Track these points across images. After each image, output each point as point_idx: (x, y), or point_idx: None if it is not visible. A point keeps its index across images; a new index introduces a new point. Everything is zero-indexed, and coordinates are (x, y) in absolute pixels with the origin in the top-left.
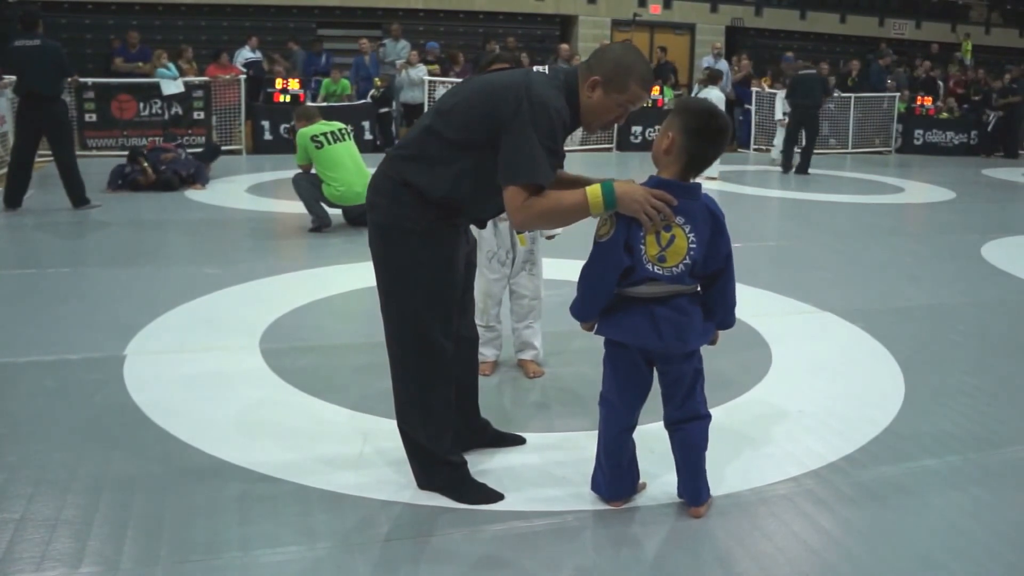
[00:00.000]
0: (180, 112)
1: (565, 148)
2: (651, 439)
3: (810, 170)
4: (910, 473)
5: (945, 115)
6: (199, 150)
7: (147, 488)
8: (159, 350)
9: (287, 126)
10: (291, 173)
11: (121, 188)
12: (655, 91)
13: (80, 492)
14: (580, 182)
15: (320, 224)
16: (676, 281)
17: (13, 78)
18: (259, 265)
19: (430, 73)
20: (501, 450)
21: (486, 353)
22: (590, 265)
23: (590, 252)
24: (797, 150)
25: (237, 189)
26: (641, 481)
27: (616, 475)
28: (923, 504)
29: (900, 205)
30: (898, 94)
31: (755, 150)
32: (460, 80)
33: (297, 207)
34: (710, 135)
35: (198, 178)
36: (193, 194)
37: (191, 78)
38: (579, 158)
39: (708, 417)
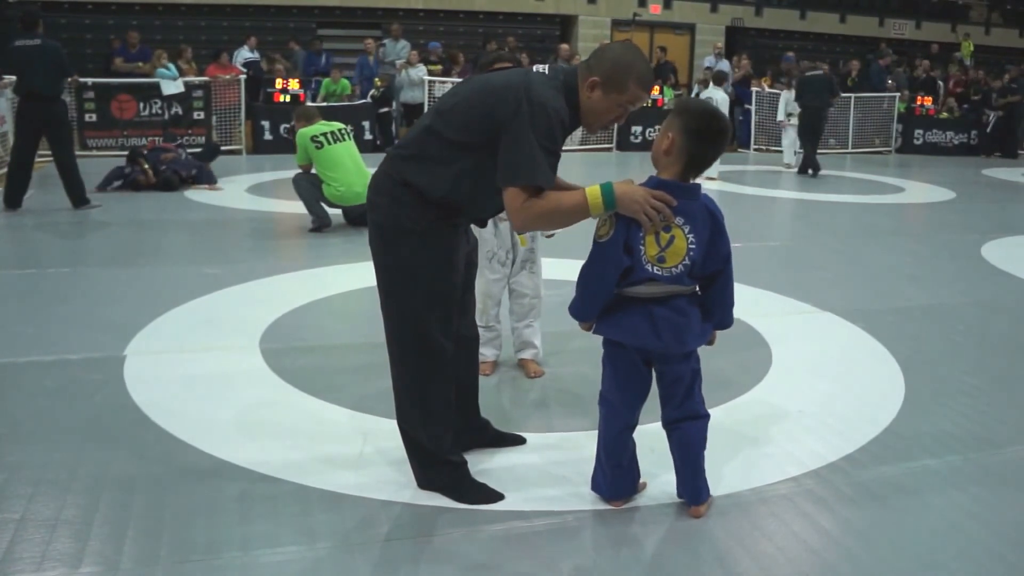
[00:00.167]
0: (180, 112)
1: (565, 148)
2: (651, 439)
3: (809, 170)
4: (910, 473)
5: (945, 115)
6: (198, 150)
7: (147, 488)
8: (159, 350)
9: (287, 126)
10: (291, 173)
11: (120, 189)
12: (655, 91)
13: (80, 492)
14: (574, 189)
15: (320, 224)
16: (675, 282)
17: (13, 78)
18: (259, 265)
19: (433, 73)
20: (501, 450)
21: (486, 353)
22: (589, 265)
23: (590, 252)
24: (798, 151)
25: (237, 189)
26: (641, 481)
27: (617, 474)
28: (923, 504)
29: (900, 205)
30: (898, 94)
31: (755, 150)
32: (460, 80)
33: (297, 207)
34: (710, 136)
35: (204, 179)
36: (193, 194)
37: (191, 78)
38: (579, 158)
39: (707, 417)
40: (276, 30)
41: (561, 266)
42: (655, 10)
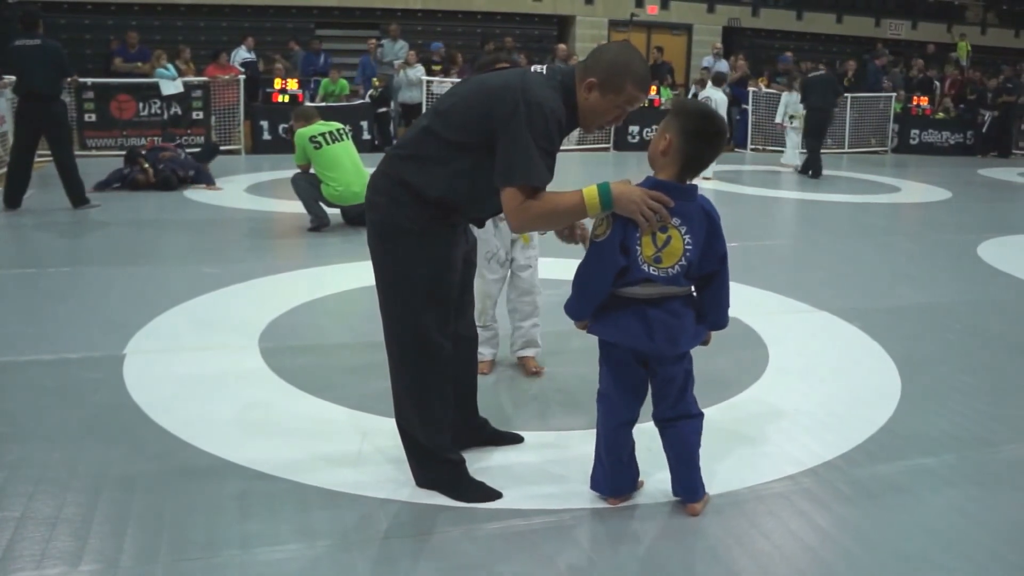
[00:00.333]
0: (179, 112)
1: (562, 148)
2: (648, 437)
3: (809, 171)
4: (907, 471)
5: (941, 115)
6: (197, 150)
7: (146, 486)
8: (158, 349)
9: (285, 126)
10: (290, 173)
11: (119, 188)
12: (652, 91)
13: (80, 490)
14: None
15: (319, 224)
16: (671, 282)
17: (13, 78)
18: (258, 264)
19: (434, 73)
20: (499, 448)
21: (484, 352)
22: (586, 264)
23: (586, 251)
24: (802, 151)
25: (236, 189)
26: (639, 479)
27: (617, 470)
28: (919, 502)
29: (896, 205)
30: (894, 94)
31: (752, 150)
32: (458, 80)
33: (296, 207)
34: (707, 137)
35: (203, 179)
36: (192, 194)
37: (190, 78)
38: (576, 158)
39: (701, 415)
40: (275, 30)
41: (559, 265)
42: (652, 11)
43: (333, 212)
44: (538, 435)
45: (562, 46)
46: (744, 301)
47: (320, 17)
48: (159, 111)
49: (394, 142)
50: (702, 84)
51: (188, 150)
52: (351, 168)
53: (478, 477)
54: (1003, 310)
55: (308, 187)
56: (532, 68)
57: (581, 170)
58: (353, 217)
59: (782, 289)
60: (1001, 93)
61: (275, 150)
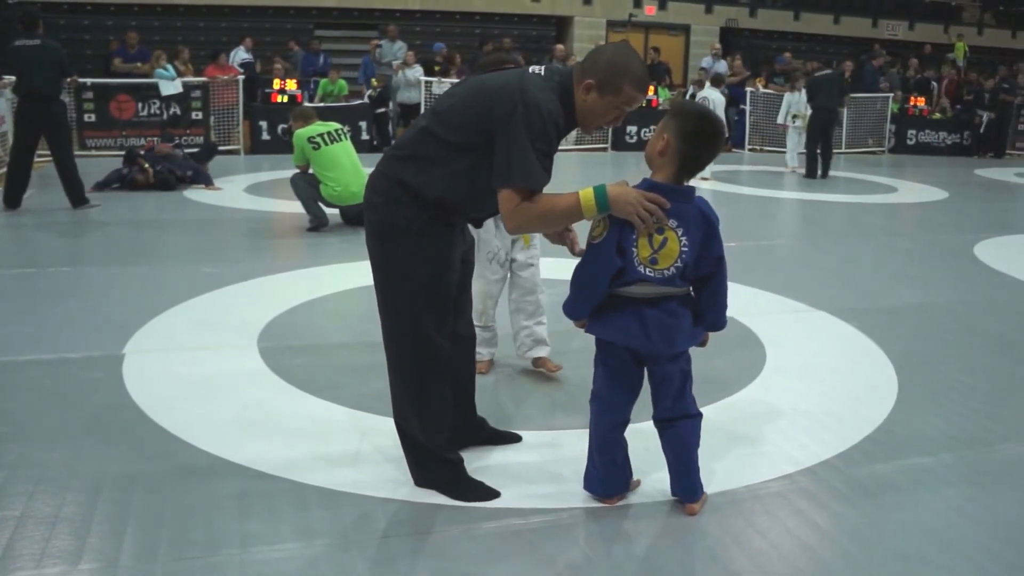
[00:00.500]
0: (178, 112)
1: (560, 148)
2: (645, 437)
3: (797, 169)
4: (904, 471)
5: (938, 115)
6: (195, 150)
7: (146, 486)
8: (158, 349)
9: (284, 126)
10: (289, 173)
11: (118, 188)
12: (650, 92)
13: (80, 490)
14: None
15: (318, 223)
16: (667, 283)
17: (13, 78)
18: (257, 264)
19: (434, 74)
20: (497, 448)
21: (482, 352)
22: (583, 265)
23: (583, 252)
24: (801, 152)
25: (235, 189)
26: (635, 478)
27: (610, 472)
28: (917, 501)
29: (893, 205)
30: (891, 95)
31: (750, 150)
32: (456, 81)
33: (295, 207)
34: (705, 138)
35: (202, 179)
36: (192, 194)
37: (189, 78)
38: (574, 158)
39: (699, 416)
40: (274, 31)
41: (559, 265)
42: (650, 11)
43: (332, 212)
44: (536, 434)
45: (560, 47)
46: (741, 301)
47: (319, 18)
48: (158, 111)
49: (392, 142)
50: (700, 85)
51: (187, 150)
52: (350, 168)
53: (476, 476)
54: (1000, 310)
55: (307, 187)
56: (530, 69)
57: (579, 170)
58: (352, 217)
59: (779, 289)
60: (999, 93)
61: (274, 150)
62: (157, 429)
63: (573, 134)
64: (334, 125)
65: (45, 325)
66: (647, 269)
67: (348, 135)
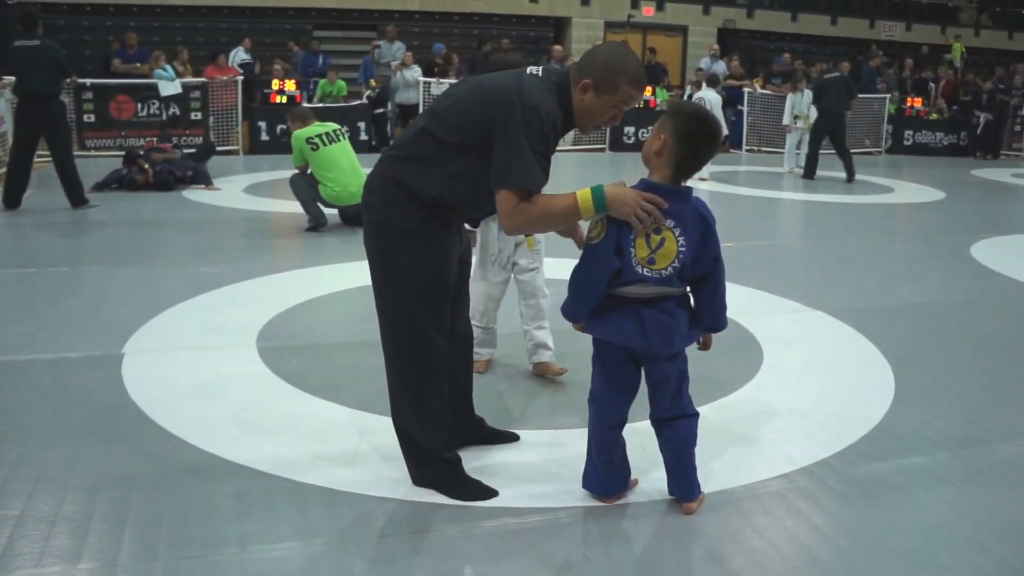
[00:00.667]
0: (178, 113)
1: (558, 148)
2: (643, 436)
3: (795, 169)
4: (901, 470)
5: (935, 116)
6: (193, 150)
7: (145, 485)
8: (157, 348)
9: (282, 127)
10: (288, 173)
11: (117, 188)
12: (647, 92)
13: (79, 489)
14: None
15: (316, 224)
16: (664, 283)
17: (12, 78)
18: (256, 264)
19: (433, 74)
20: (495, 447)
21: (481, 352)
22: (581, 266)
23: (581, 253)
24: (798, 151)
25: (234, 189)
26: (633, 477)
27: (608, 471)
28: (914, 500)
29: (890, 205)
30: (888, 95)
31: (747, 151)
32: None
33: (294, 207)
34: (701, 139)
35: (201, 179)
36: (191, 194)
37: (188, 79)
38: (572, 158)
39: (696, 415)
40: (273, 31)
41: (559, 265)
42: (648, 12)
43: (331, 212)
44: (534, 434)
45: (558, 47)
46: (739, 301)
47: (318, 18)
48: (158, 112)
49: (391, 143)
50: (698, 86)
51: (185, 150)
52: (348, 168)
53: (474, 476)
54: (996, 310)
55: (306, 187)
56: (528, 69)
57: (577, 171)
58: (350, 217)
59: (776, 289)
60: (997, 95)
61: (273, 151)
62: (156, 428)
63: (570, 134)
64: (332, 126)
65: (45, 325)
66: (645, 269)
67: (346, 136)
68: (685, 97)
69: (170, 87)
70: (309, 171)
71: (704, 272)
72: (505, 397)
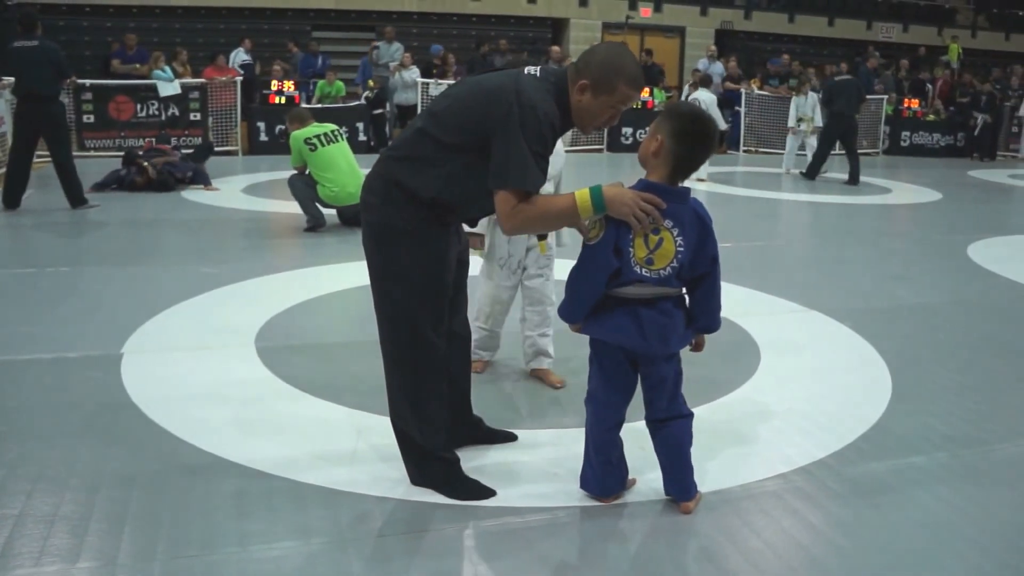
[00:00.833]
0: (177, 113)
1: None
2: (640, 437)
3: (792, 170)
4: (898, 470)
5: (932, 117)
6: (191, 151)
7: (144, 484)
8: (156, 348)
9: (281, 128)
10: (287, 174)
11: (116, 189)
12: (645, 93)
13: (78, 488)
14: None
15: (315, 224)
16: (663, 284)
17: (12, 79)
18: (255, 264)
19: (432, 75)
20: (493, 447)
21: (481, 353)
22: (579, 267)
23: (579, 254)
24: (799, 152)
25: (233, 189)
26: (631, 477)
27: (606, 471)
28: (911, 500)
29: (887, 206)
30: (885, 96)
31: (744, 151)
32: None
33: (292, 207)
34: (698, 139)
35: (200, 179)
36: (190, 194)
37: (188, 80)
38: (570, 159)
39: (691, 415)
40: (272, 32)
41: (558, 266)
42: (645, 13)
43: (329, 212)
44: (532, 433)
45: (556, 48)
46: (736, 301)
47: (317, 19)
48: (157, 112)
49: (389, 143)
50: (695, 87)
51: (183, 151)
52: (346, 169)
53: (472, 475)
54: (993, 310)
55: (304, 188)
56: (526, 70)
57: (574, 171)
58: (349, 217)
59: (773, 289)
60: (995, 96)
61: (272, 151)
62: (155, 428)
63: (568, 135)
64: (330, 126)
65: (44, 325)
66: (643, 269)
67: (344, 136)
68: (682, 98)
69: (169, 88)
70: (307, 172)
71: (702, 272)
72: (504, 397)
